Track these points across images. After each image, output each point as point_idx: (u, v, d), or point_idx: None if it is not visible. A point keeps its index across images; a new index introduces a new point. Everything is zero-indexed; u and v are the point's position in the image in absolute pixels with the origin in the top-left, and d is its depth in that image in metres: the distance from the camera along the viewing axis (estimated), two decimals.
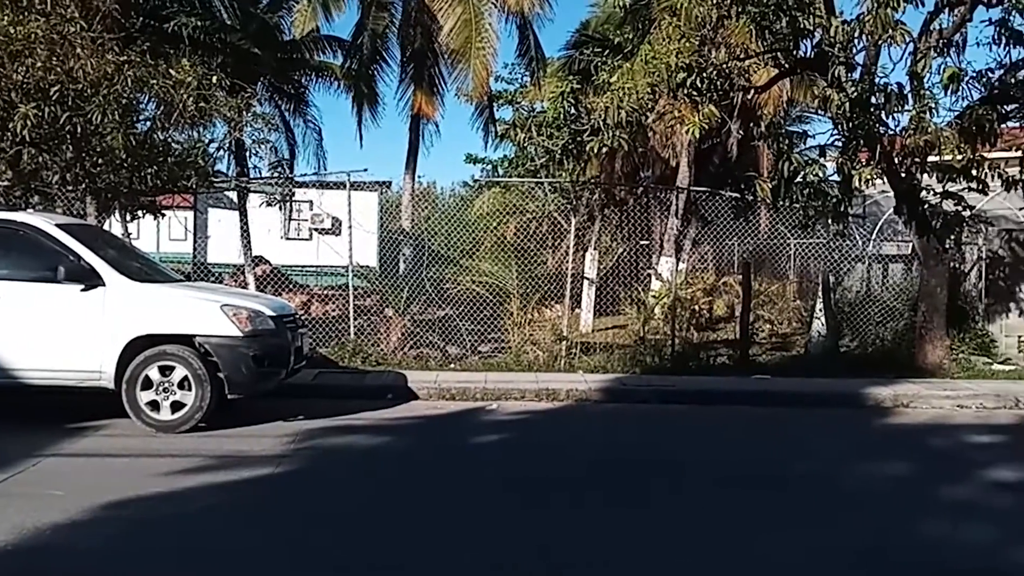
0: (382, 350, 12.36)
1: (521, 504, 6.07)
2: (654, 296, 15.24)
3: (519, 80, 23.36)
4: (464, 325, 12.91)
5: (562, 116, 12.97)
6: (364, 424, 8.77)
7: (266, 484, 6.46)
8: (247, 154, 13.29)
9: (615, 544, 5.22)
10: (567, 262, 13.13)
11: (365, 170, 13.25)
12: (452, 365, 12.17)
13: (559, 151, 13.20)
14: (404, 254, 16.05)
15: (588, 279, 15.51)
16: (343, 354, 12.07)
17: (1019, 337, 13.34)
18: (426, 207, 20.76)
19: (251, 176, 14.37)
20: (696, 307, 14.98)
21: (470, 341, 12.81)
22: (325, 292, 15.71)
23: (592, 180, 17.87)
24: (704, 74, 11.13)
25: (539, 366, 12.04)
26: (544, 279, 13.21)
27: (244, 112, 11.52)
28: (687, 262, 18.11)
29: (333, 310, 14.01)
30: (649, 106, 11.91)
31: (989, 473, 7.17)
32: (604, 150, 12.99)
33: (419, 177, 23.50)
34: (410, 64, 20.12)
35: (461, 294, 13.47)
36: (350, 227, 12.89)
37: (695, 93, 11.38)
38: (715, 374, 11.90)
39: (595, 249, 16.11)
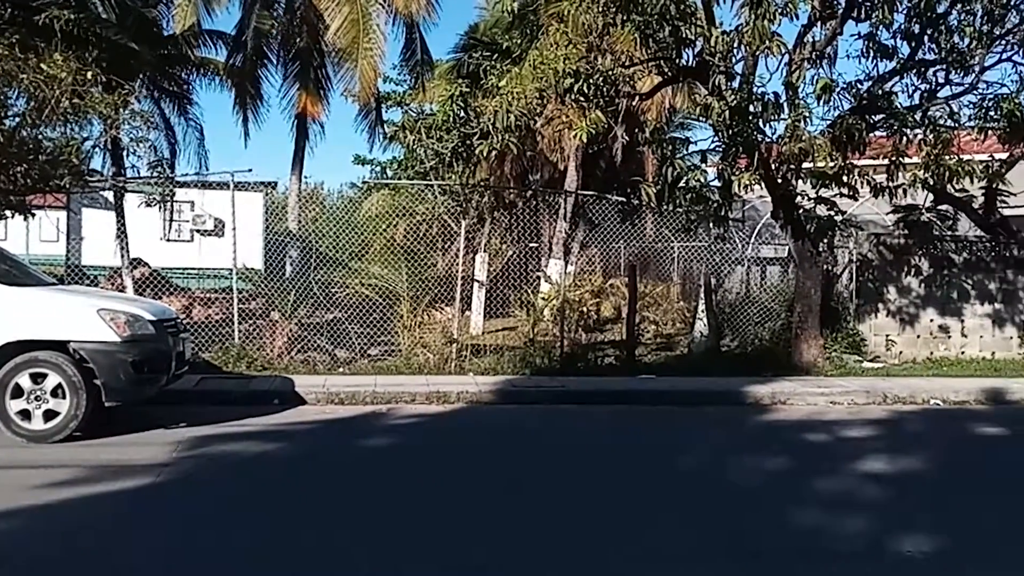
0: (268, 355, 12.11)
1: (409, 507, 6.04)
2: (543, 298, 15.39)
3: (407, 82, 23.28)
4: (353, 328, 12.77)
5: (451, 119, 12.99)
6: (250, 431, 8.56)
7: (147, 495, 6.25)
8: (125, 153, 12.81)
9: (512, 542, 5.27)
10: (457, 264, 13.14)
11: (250, 170, 12.93)
12: (341, 369, 12.03)
13: (449, 154, 13.23)
14: (291, 256, 15.75)
15: (478, 281, 15.56)
16: (227, 359, 11.77)
17: (887, 336, 14.04)
18: (313, 208, 20.45)
19: (129, 176, 13.86)
20: (584, 309, 15.20)
21: (359, 344, 12.68)
22: (208, 295, 15.25)
23: (482, 183, 17.95)
24: (591, 80, 11.33)
25: (430, 369, 12.01)
26: (434, 281, 13.19)
27: (121, 109, 11.11)
28: (575, 264, 18.37)
29: (216, 314, 13.63)
30: (538, 110, 12.07)
31: (860, 465, 7.52)
32: (494, 153, 13.09)
33: (306, 178, 23.21)
34: (295, 63, 19.80)
35: (350, 297, 13.30)
36: (234, 229, 12.58)
37: (582, 99, 11.58)
38: (603, 374, 12.12)
39: (485, 251, 16.18)
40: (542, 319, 14.26)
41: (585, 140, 12.17)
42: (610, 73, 11.54)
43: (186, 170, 19.72)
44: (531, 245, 17.21)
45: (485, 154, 12.62)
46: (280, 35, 19.70)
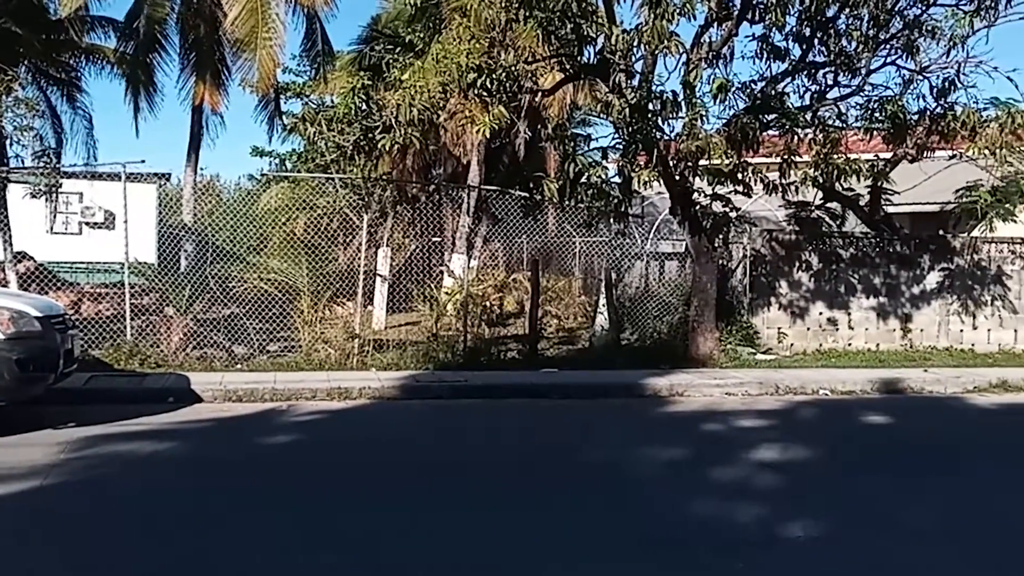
0: (162, 351, 11.75)
1: (309, 506, 5.97)
2: (447, 293, 15.38)
3: (308, 73, 22.90)
4: (251, 324, 12.50)
5: (353, 112, 12.82)
6: (143, 430, 8.30)
7: (32, 498, 6.00)
8: (8, 142, 12.22)
9: (418, 539, 5.25)
10: (359, 259, 13.00)
11: (143, 161, 12.47)
12: (239, 366, 11.77)
13: (350, 147, 13.05)
14: (186, 250, 15.29)
15: (381, 276, 15.43)
16: (119, 356, 11.38)
17: (779, 329, 14.52)
18: (210, 201, 19.89)
19: (12, 166, 13.23)
20: (487, 303, 15.24)
21: (258, 340, 12.43)
22: (98, 290, 14.69)
23: (384, 177, 17.79)
24: (494, 75, 11.35)
25: (331, 365, 11.86)
26: (335, 276, 13.00)
27: (3, 96, 10.60)
28: (478, 259, 18.41)
29: (107, 309, 13.14)
30: (441, 104, 12.00)
31: (754, 454, 7.77)
32: (396, 147, 12.97)
33: (202, 169, 22.56)
34: (192, 52, 19.24)
35: (248, 292, 13.01)
36: (126, 221, 12.17)
37: (485, 94, 11.59)
38: (506, 368, 12.19)
39: (388, 246, 16.05)
40: (445, 314, 14.24)
41: (488, 135, 12.19)
42: (513, 69, 11.58)
43: (74, 160, 18.97)
44: (434, 240, 17.16)
45: (388, 148, 12.49)
46: (175, 22, 19.11)
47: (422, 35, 17.25)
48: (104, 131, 52.78)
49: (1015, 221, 14.30)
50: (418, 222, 16.53)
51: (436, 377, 11.31)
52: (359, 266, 12.83)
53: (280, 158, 28.53)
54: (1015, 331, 15.30)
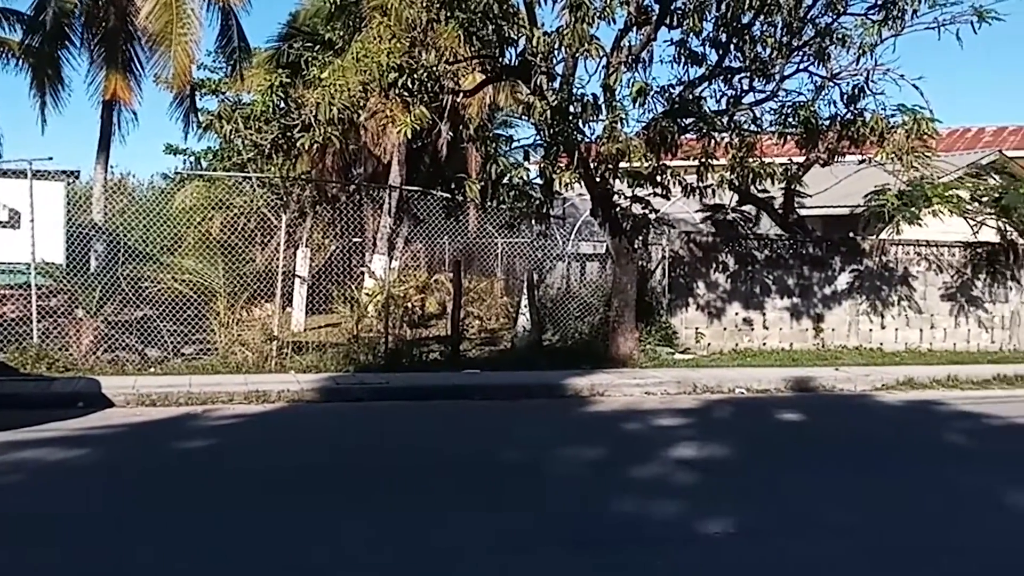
0: (71, 355, 11.36)
1: (222, 509, 5.84)
2: (367, 294, 15.23)
3: (224, 70, 22.43)
4: (165, 326, 12.17)
5: (271, 110, 12.56)
6: (50, 436, 8.00)
7: None
8: None
9: (338, 540, 5.18)
10: (277, 259, 12.77)
11: (50, 158, 12.01)
12: (152, 369, 11.45)
13: (268, 145, 12.78)
14: (96, 250, 14.80)
15: (300, 277, 15.21)
16: (25, 360, 10.96)
17: (696, 329, 14.78)
18: (121, 199, 19.31)
19: None
20: (409, 304, 15.15)
21: (172, 343, 12.11)
22: (1, 292, 14.13)
23: (303, 176, 17.54)
24: (415, 75, 11.28)
25: (249, 367, 11.63)
26: (253, 277, 12.75)
27: None
28: (400, 260, 18.29)
29: (12, 311, 12.66)
30: (361, 104, 11.87)
31: (673, 452, 7.89)
32: (315, 146, 12.80)
33: (113, 167, 21.91)
34: (103, 46, 18.62)
35: (162, 293, 12.65)
36: (32, 220, 11.73)
37: (406, 93, 11.50)
38: (428, 370, 12.12)
39: (307, 246, 15.82)
40: (366, 315, 14.10)
41: (409, 135, 12.09)
42: (434, 69, 11.52)
43: None
44: (355, 240, 16.98)
45: (307, 147, 12.30)
46: (85, 16, 18.49)
47: (342, 33, 17.06)
48: (9, 127, 50.81)
49: (921, 224, 14.85)
50: (338, 222, 16.33)
51: (357, 379, 11.18)
52: (277, 267, 12.61)
53: (195, 156, 27.90)
54: (920, 330, 15.88)
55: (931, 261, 15.94)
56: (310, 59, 15.31)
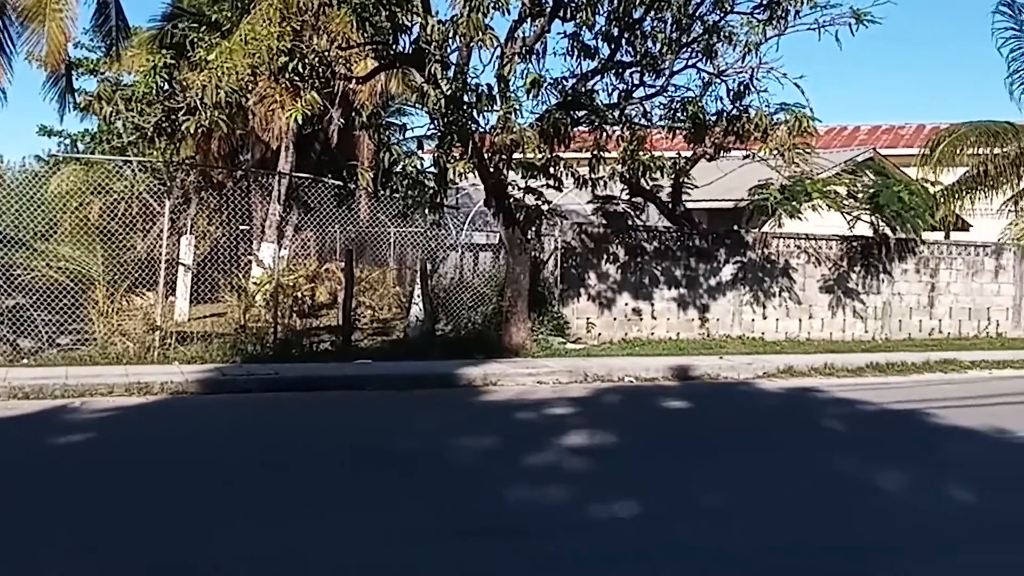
0: None
1: (101, 504, 5.62)
2: (255, 283, 14.88)
3: (102, 49, 21.45)
4: (40, 315, 11.60)
5: (154, 91, 12.14)
6: None
7: None
8: None
9: (224, 539, 5.05)
10: (160, 247, 12.34)
11: None
12: (25, 360, 10.91)
13: (151, 129, 12.35)
14: None
15: (184, 265, 14.72)
16: None
17: (587, 319, 14.99)
18: None
19: None
20: (299, 294, 14.87)
21: (47, 333, 11.56)
22: None
23: (187, 161, 17.00)
24: (306, 60, 11.05)
25: (130, 358, 11.20)
26: (134, 265, 12.28)
27: None
28: (289, 248, 17.89)
29: None
30: (250, 88, 11.56)
31: (566, 440, 7.99)
32: (201, 130, 12.40)
33: None
34: None
35: (36, 281, 12.06)
36: None
37: (297, 78, 11.26)
38: (318, 360, 11.92)
39: (191, 234, 15.33)
40: (254, 304, 13.77)
41: (300, 121, 11.85)
42: (326, 54, 11.31)
43: None
44: (242, 228, 16.54)
45: (192, 130, 11.91)
46: None
47: (229, 14, 16.51)
48: None
49: (801, 218, 15.43)
50: (225, 209, 15.88)
51: (244, 370, 10.91)
52: (160, 254, 12.18)
53: (72, 138, 26.61)
54: (800, 320, 16.52)
55: (810, 254, 16.58)
56: (196, 40, 14.80)
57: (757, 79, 12.78)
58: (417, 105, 12.73)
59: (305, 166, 18.82)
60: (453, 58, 11.84)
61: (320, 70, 11.34)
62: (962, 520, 5.95)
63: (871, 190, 16.15)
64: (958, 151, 20.76)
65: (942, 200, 19.21)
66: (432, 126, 12.50)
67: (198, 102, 11.22)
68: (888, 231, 16.61)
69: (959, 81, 65.54)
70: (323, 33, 11.47)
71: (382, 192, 13.73)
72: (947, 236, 21.47)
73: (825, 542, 5.40)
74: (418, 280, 13.70)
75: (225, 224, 15.88)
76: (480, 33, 10.73)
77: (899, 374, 13.10)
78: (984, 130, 20.63)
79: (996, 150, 20.83)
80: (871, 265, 17.05)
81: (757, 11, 12.22)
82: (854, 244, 16.90)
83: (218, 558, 4.79)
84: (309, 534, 5.21)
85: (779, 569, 4.94)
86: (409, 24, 11.31)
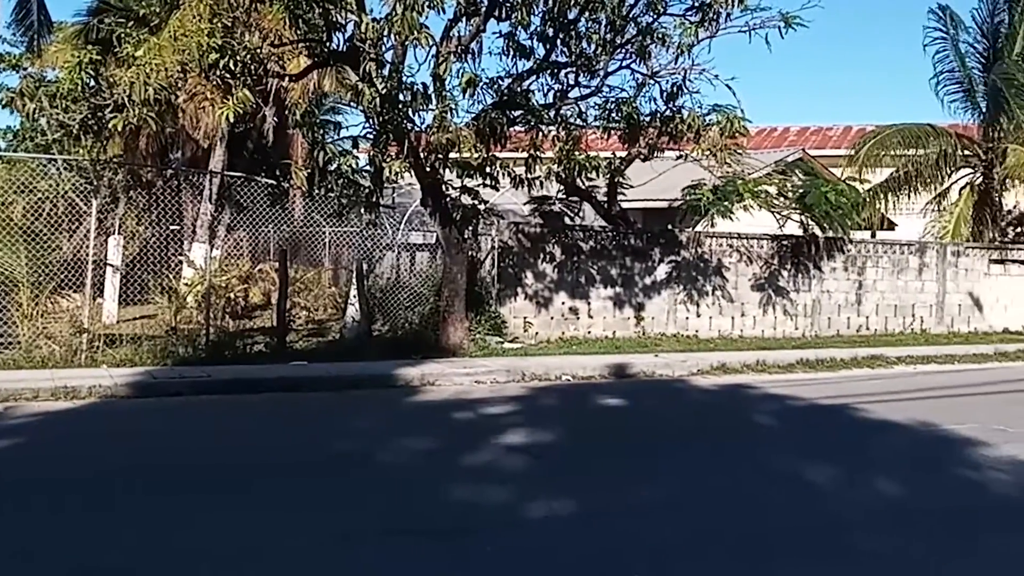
0: None
1: (23, 512, 5.46)
2: (186, 284, 14.59)
3: (23, 43, 20.82)
4: None
5: (80, 88, 11.77)
6: None
7: None
8: None
9: (147, 542, 4.94)
10: (87, 247, 12.02)
11: None
12: None
13: (76, 126, 11.98)
14: None
15: (112, 266, 14.35)
16: None
17: (525, 318, 15.04)
18: None
19: None
20: (232, 295, 14.63)
21: None
22: None
23: (115, 159, 16.59)
24: (237, 57, 10.87)
25: (56, 362, 10.87)
26: (60, 266, 11.95)
27: None
28: (222, 249, 17.59)
29: None
30: (179, 85, 11.33)
31: (503, 439, 7.99)
32: (129, 128, 12.12)
33: None
34: None
35: None
36: None
37: (228, 76, 11.08)
38: (252, 362, 11.73)
39: (119, 234, 14.96)
40: (185, 306, 13.51)
41: (231, 119, 11.66)
42: (258, 51, 11.14)
43: None
44: (172, 228, 16.19)
45: (119, 128, 11.61)
46: None
47: (157, 10, 16.19)
48: None
49: (733, 218, 15.70)
50: (154, 209, 15.54)
51: (176, 373, 10.68)
52: (87, 255, 11.87)
53: None
54: (732, 318, 16.80)
55: (742, 253, 16.88)
56: (123, 36, 14.47)
57: (690, 80, 12.97)
58: (352, 104, 12.62)
59: (238, 165, 18.52)
60: (388, 56, 11.76)
61: (252, 67, 11.17)
62: (881, 509, 6.11)
63: (800, 190, 16.50)
64: (883, 153, 21.42)
65: (869, 200, 19.76)
66: (367, 125, 12.42)
67: (126, 99, 10.97)
68: (817, 230, 16.99)
69: (885, 84, 67.50)
70: (255, 30, 11.31)
71: (317, 191, 13.57)
72: (874, 235, 22.12)
73: (749, 530, 5.50)
74: (354, 280, 13.58)
75: (155, 224, 15.54)
76: (415, 32, 10.67)
77: (828, 370, 13.42)
78: (908, 132, 21.33)
79: (919, 151, 21.54)
80: (801, 264, 17.43)
81: (689, 13, 12.38)
82: (784, 243, 17.25)
83: (130, 564, 4.69)
84: (234, 535, 5.13)
85: (705, 557, 5.02)
86: (343, 22, 11.21)
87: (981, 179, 21.54)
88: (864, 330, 18.10)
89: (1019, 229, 21.90)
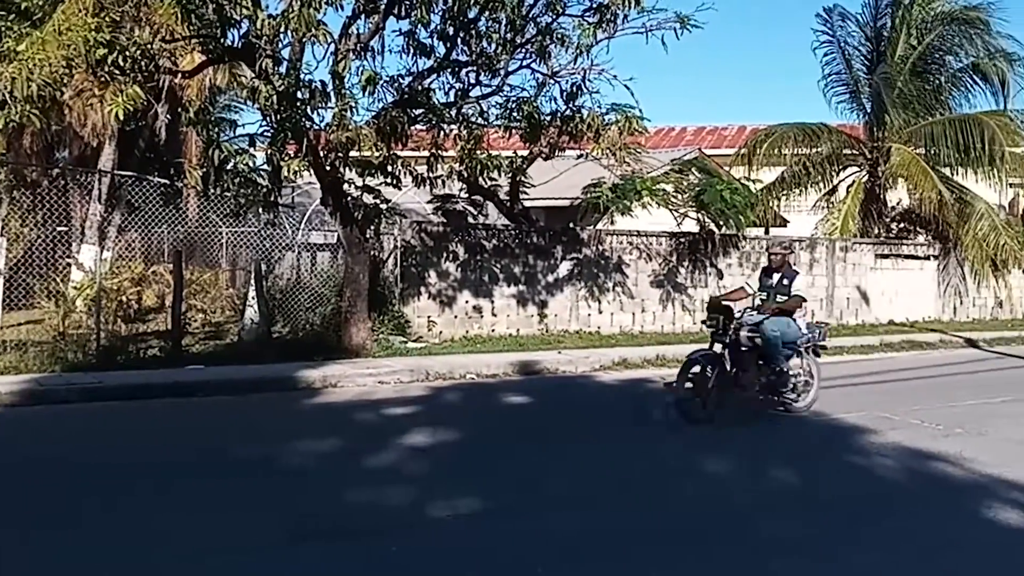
0: None
1: None
2: (76, 287, 14.05)
3: None
4: None
5: None
6: None
7: None
8: None
9: (54, 550, 4.75)
10: None
11: None
12: None
13: None
14: None
15: None
16: None
17: (428, 317, 14.99)
18: None
19: None
20: (124, 298, 14.15)
21: None
22: None
23: None
24: (127, 53, 10.50)
25: None
26: None
27: None
28: (113, 251, 17.01)
29: None
30: (65, 81, 10.88)
31: (407, 439, 7.96)
32: (11, 125, 11.57)
33: None
34: None
35: None
36: None
37: (117, 72, 10.69)
38: (147, 367, 11.38)
39: (2, 236, 14.31)
40: (74, 310, 13.01)
41: (122, 117, 11.25)
42: (149, 47, 10.79)
43: None
44: (60, 229, 15.57)
45: (1, 126, 11.11)
46: None
47: (40, 2, 15.53)
48: None
49: (632, 215, 15.98)
50: (40, 209, 14.91)
51: (64, 380, 10.27)
52: None
53: None
54: (633, 314, 17.10)
55: (642, 250, 17.19)
56: (4, 29, 13.83)
57: (589, 80, 13.10)
58: (249, 101, 12.30)
59: (129, 164, 17.94)
60: (285, 53, 11.54)
61: (143, 63, 10.81)
62: (778, 496, 6.34)
63: (697, 188, 16.90)
64: (777, 151, 22.12)
65: (763, 197, 20.36)
66: (265, 123, 12.15)
67: (7, 95, 10.47)
68: (714, 227, 17.43)
69: (778, 88, 69.75)
70: (145, 25, 10.95)
71: (213, 191, 13.22)
72: (767, 231, 22.83)
73: (654, 522, 5.63)
74: (252, 281, 13.30)
75: (41, 225, 14.92)
76: (312, 28, 10.50)
77: None
78: (801, 130, 22.09)
79: (810, 150, 22.34)
80: (698, 260, 17.86)
81: (588, 14, 12.51)
82: (682, 240, 17.64)
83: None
84: (128, 542, 4.98)
85: (609, 551, 5.10)
86: (238, 18, 10.93)
87: (867, 177, 22.45)
88: None
89: (903, 225, 22.91)
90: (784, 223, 24.54)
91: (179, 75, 12.12)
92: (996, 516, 5.83)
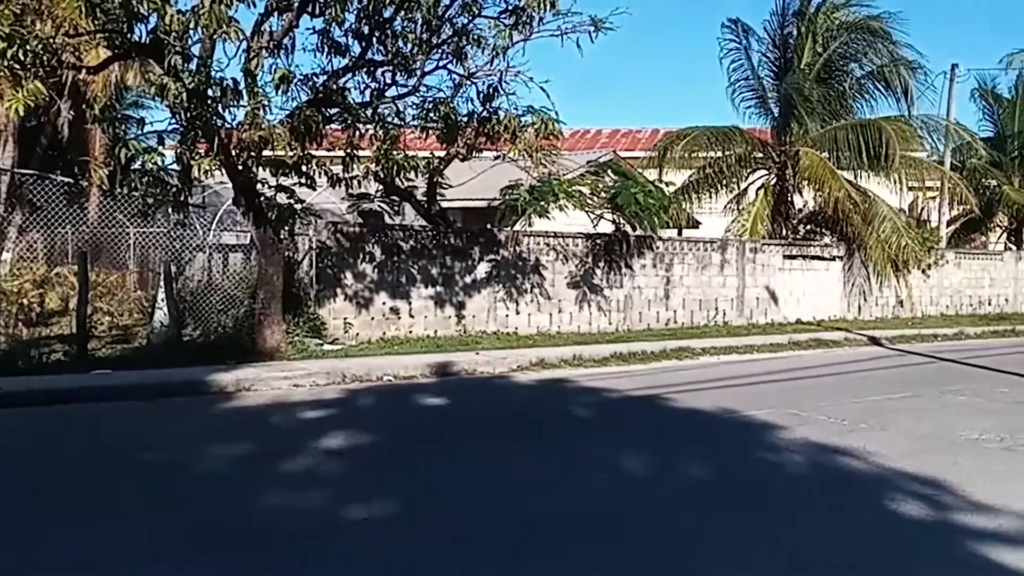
0: None
1: None
2: None
3: None
4: None
5: None
6: None
7: None
8: None
9: None
10: None
11: None
12: None
13: None
14: None
15: None
16: None
17: (345, 319, 14.84)
18: None
19: None
20: (25, 301, 13.64)
21: None
22: None
23: None
24: (28, 47, 10.12)
25: None
26: None
27: None
28: (13, 252, 16.37)
29: None
30: None
31: (322, 443, 7.87)
32: None
33: None
34: None
35: None
36: None
37: (17, 66, 10.30)
38: (50, 372, 10.99)
39: None
40: None
41: (22, 113, 10.85)
42: (51, 41, 10.42)
43: None
44: None
45: None
46: None
47: None
48: None
49: (549, 217, 16.10)
50: None
51: None
52: None
53: None
54: (550, 315, 17.24)
55: (559, 251, 17.34)
56: None
57: (506, 82, 13.16)
58: (157, 98, 11.98)
59: (30, 162, 17.34)
60: (195, 50, 11.26)
61: (45, 58, 10.42)
62: (692, 490, 6.46)
63: (612, 190, 17.13)
64: (689, 153, 22.58)
65: (675, 199, 20.74)
66: (174, 120, 11.85)
67: None
68: (628, 229, 17.69)
69: (690, 92, 71.22)
70: (48, 18, 10.58)
71: (119, 190, 12.82)
72: (680, 233, 23.28)
73: (572, 519, 5.68)
74: (162, 283, 12.96)
75: None
76: (223, 25, 10.28)
77: (640, 362, 14.01)
78: (714, 133, 22.57)
79: (722, 153, 22.88)
80: (613, 261, 18.10)
81: (504, 16, 12.57)
82: (598, 241, 17.86)
83: None
84: (24, 553, 4.81)
85: (525, 551, 5.14)
86: (145, 12, 10.64)
87: (775, 180, 23.08)
88: (672, 323, 19.00)
89: (810, 226, 23.62)
90: (697, 225, 25.06)
91: (83, 71, 11.73)
92: (898, 508, 6.05)
